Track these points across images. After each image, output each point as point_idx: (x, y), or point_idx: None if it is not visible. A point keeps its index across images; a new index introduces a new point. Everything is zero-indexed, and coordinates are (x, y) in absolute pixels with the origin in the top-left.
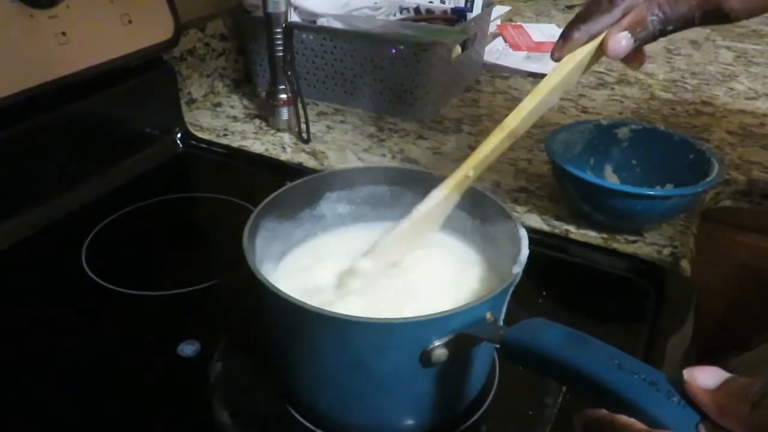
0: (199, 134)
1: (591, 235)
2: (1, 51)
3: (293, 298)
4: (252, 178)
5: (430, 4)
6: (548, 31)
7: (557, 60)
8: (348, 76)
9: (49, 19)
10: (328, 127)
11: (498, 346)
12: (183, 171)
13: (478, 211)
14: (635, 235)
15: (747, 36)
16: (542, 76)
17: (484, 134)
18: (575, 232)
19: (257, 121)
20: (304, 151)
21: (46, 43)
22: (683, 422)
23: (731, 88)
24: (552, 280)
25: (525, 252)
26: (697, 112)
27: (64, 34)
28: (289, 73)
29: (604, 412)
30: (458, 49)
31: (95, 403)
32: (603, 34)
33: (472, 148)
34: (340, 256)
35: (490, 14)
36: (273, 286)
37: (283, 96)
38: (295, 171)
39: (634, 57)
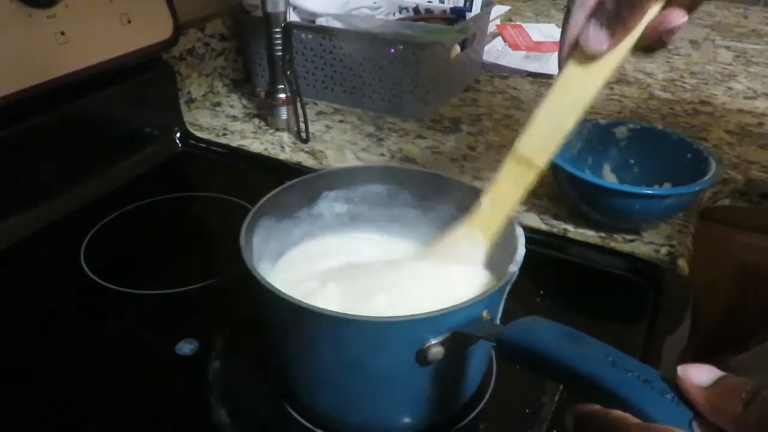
0: (199, 134)
1: (589, 234)
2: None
3: (290, 296)
4: (251, 177)
5: (429, 3)
6: (547, 31)
7: (602, 54)
8: (347, 75)
9: (48, 19)
10: (327, 126)
11: (494, 344)
12: (182, 170)
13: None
14: (633, 235)
15: (746, 36)
16: (541, 75)
17: (483, 134)
18: (573, 231)
19: (256, 121)
20: (303, 150)
21: (45, 42)
22: (677, 419)
23: (730, 88)
24: (550, 279)
25: (522, 251)
26: (696, 112)
27: (63, 33)
28: (288, 72)
29: (596, 407)
30: (457, 48)
31: (93, 401)
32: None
33: (471, 148)
34: (337, 255)
35: (489, 14)
36: (270, 284)
37: (282, 95)
38: (294, 170)
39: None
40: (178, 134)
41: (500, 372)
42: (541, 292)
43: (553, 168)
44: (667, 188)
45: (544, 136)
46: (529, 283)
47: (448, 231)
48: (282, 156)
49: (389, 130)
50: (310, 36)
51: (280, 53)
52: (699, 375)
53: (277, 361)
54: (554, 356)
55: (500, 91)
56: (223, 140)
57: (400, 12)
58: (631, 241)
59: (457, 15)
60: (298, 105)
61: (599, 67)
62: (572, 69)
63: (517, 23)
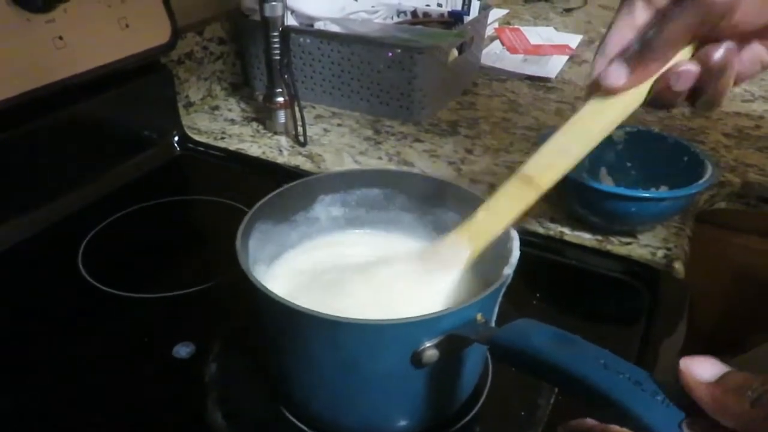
0: (197, 137)
1: (585, 237)
2: None
3: (285, 299)
4: (249, 180)
5: (427, 7)
6: (546, 34)
7: (617, 90)
8: (345, 79)
9: (47, 24)
10: (325, 130)
11: (488, 346)
12: (180, 174)
13: (470, 213)
14: (630, 237)
15: None
16: (539, 79)
17: (480, 137)
18: (570, 233)
19: (254, 124)
20: (301, 154)
21: (43, 47)
22: (667, 421)
23: None
24: (547, 281)
25: (516, 253)
26: (693, 115)
27: (61, 38)
28: (286, 76)
29: (592, 422)
30: (455, 52)
31: (90, 404)
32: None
33: (469, 151)
34: (333, 259)
35: (487, 17)
36: (265, 287)
37: (280, 99)
38: (291, 174)
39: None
40: (176, 138)
41: (496, 374)
42: (538, 294)
43: None
44: (663, 191)
45: (552, 160)
46: (525, 286)
47: (441, 237)
48: (280, 159)
49: (387, 134)
50: (308, 40)
51: (278, 57)
52: (702, 370)
53: (274, 363)
54: (547, 359)
55: (498, 94)
56: (221, 144)
57: (398, 16)
58: (628, 244)
59: (455, 18)
60: (296, 108)
61: (616, 104)
62: (592, 102)
63: (515, 27)
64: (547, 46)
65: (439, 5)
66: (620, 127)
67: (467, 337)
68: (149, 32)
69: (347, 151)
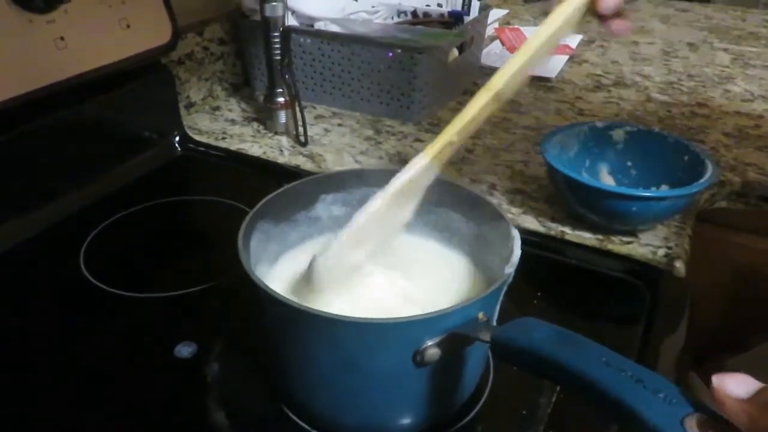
0: (198, 137)
1: (586, 237)
2: (0, 56)
3: (287, 298)
4: (250, 180)
5: (427, 7)
6: None
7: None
8: (345, 79)
9: (48, 24)
10: (326, 130)
11: (490, 345)
12: (181, 174)
13: (472, 212)
14: (630, 237)
15: (744, 38)
16: (540, 78)
17: (480, 137)
18: (571, 233)
19: (255, 125)
20: (301, 154)
21: (44, 47)
22: (668, 417)
23: (727, 90)
24: (548, 280)
25: (517, 252)
26: (693, 114)
27: (62, 38)
28: (287, 76)
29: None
30: (455, 52)
31: (93, 403)
32: None
33: (469, 151)
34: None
35: (487, 17)
36: (267, 286)
37: (281, 99)
38: (292, 174)
39: (621, 17)
40: (177, 138)
41: (497, 373)
42: (539, 294)
43: (551, 171)
44: (664, 190)
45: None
46: (527, 285)
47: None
48: (281, 159)
49: (387, 134)
50: (308, 40)
51: (278, 57)
52: (736, 386)
53: (275, 362)
54: (548, 357)
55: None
56: (222, 144)
57: (398, 16)
58: (629, 243)
59: (455, 19)
60: (297, 109)
61: (550, 21)
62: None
63: (515, 26)
64: None
65: (439, 5)
66: (621, 126)
67: (469, 336)
68: (150, 33)
69: (348, 150)
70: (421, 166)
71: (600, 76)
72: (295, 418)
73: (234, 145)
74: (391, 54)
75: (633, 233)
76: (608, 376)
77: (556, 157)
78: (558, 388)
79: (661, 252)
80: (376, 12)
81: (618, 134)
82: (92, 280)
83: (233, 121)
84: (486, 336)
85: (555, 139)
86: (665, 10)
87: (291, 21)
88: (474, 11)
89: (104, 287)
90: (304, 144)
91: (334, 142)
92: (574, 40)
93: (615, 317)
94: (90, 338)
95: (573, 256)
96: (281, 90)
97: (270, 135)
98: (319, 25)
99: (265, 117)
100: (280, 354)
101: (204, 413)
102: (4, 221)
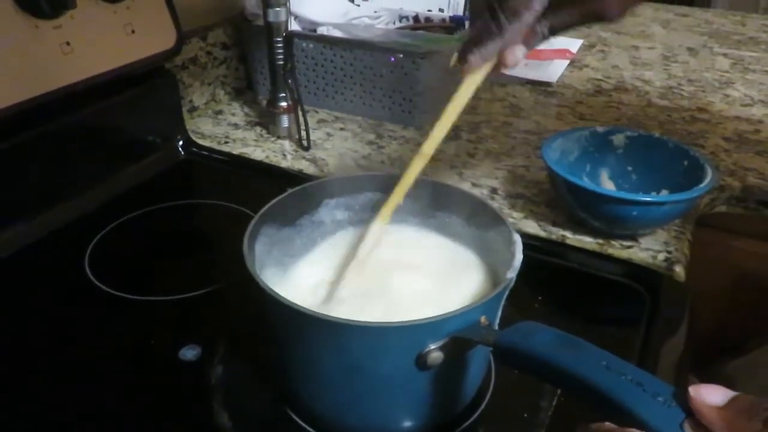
0: (201, 142)
1: (587, 241)
2: (6, 60)
3: (291, 302)
4: (253, 185)
5: (429, 12)
6: None
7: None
8: (348, 84)
9: (54, 30)
10: (328, 134)
11: (492, 348)
12: (185, 178)
13: (474, 217)
14: (630, 241)
15: (744, 43)
16: (540, 83)
17: (482, 141)
18: (571, 237)
19: (258, 129)
20: (304, 158)
21: (50, 52)
22: (668, 421)
23: (727, 95)
24: (548, 285)
25: (519, 257)
26: (693, 119)
27: (68, 44)
28: (290, 81)
29: (611, 426)
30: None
31: (97, 407)
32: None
33: (471, 155)
34: (338, 262)
35: None
36: (271, 290)
37: (284, 104)
38: (295, 178)
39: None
40: (180, 142)
41: (499, 377)
42: (540, 297)
43: (552, 175)
44: (664, 195)
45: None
46: (527, 289)
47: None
48: (283, 164)
49: (390, 138)
50: (311, 45)
51: (281, 62)
52: (712, 395)
53: (279, 365)
54: (550, 360)
55: (499, 98)
56: (225, 148)
57: (400, 21)
58: (629, 247)
59: (457, 24)
60: (300, 113)
61: (464, 90)
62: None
63: None
64: (547, 51)
65: (441, 10)
66: (621, 131)
67: (471, 340)
68: (154, 38)
69: (350, 155)
70: (379, 231)
71: (600, 80)
72: (298, 420)
73: (237, 149)
74: (393, 59)
75: (633, 237)
76: (609, 380)
77: (557, 161)
78: (559, 391)
79: (661, 256)
80: (379, 17)
81: (618, 139)
82: (97, 283)
83: (236, 126)
84: (488, 340)
85: (556, 143)
86: (665, 15)
87: (294, 26)
88: None
89: (109, 290)
90: (307, 148)
91: (336, 146)
92: (574, 45)
93: (615, 321)
94: (95, 341)
95: (574, 260)
96: (284, 94)
97: (273, 139)
98: (321, 30)
99: (268, 121)
100: (284, 357)
101: (208, 416)
102: (10, 225)
